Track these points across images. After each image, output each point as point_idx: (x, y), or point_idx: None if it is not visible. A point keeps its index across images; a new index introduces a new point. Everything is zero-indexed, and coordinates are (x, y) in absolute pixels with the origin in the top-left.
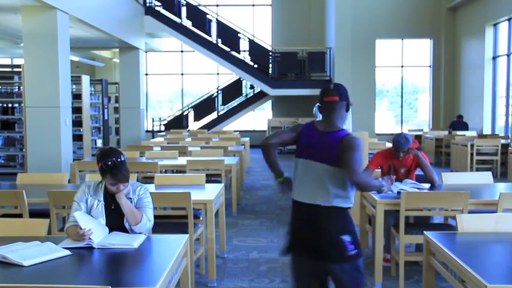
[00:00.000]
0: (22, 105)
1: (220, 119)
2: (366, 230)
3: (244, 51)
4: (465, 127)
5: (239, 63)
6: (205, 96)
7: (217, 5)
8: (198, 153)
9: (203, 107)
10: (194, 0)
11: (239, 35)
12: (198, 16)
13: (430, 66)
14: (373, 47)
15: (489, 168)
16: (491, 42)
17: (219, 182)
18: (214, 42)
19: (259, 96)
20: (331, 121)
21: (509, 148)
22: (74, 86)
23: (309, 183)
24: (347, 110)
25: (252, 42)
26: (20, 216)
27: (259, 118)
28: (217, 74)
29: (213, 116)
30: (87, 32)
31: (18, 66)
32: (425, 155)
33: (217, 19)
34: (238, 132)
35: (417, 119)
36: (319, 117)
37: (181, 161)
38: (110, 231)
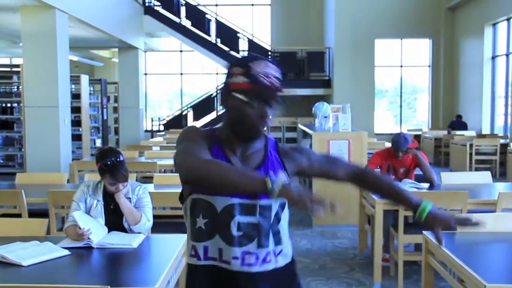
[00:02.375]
0: (21, 105)
1: (220, 119)
2: (365, 230)
3: (243, 50)
4: (464, 127)
5: None
6: (204, 96)
7: (216, 5)
8: None
9: (202, 107)
10: (193, 0)
11: (238, 34)
12: (197, 16)
13: (429, 66)
14: (372, 46)
15: (488, 168)
16: (490, 42)
17: None
18: (214, 41)
19: None
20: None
21: (508, 148)
22: (73, 86)
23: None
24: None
25: (251, 42)
26: (19, 216)
27: None
28: (217, 73)
29: (212, 115)
30: (86, 32)
31: (17, 65)
32: (424, 154)
33: (216, 19)
34: None
35: (416, 119)
36: (318, 116)
37: None
38: (109, 231)
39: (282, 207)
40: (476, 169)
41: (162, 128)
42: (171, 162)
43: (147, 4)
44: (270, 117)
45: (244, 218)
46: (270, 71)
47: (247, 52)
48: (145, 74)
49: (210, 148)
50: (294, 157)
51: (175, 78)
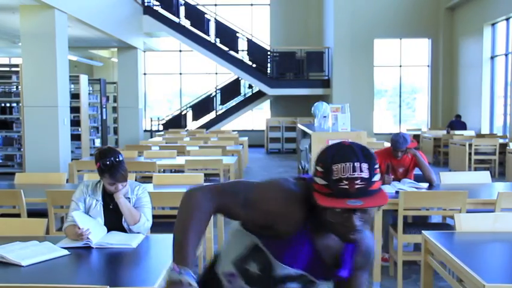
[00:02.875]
0: (20, 104)
1: (219, 119)
2: None
3: (242, 50)
4: (463, 127)
5: (237, 63)
6: (203, 96)
7: (215, 5)
8: (196, 152)
9: (201, 107)
10: (193, 0)
11: (237, 34)
12: (197, 15)
13: (428, 66)
14: (371, 46)
15: (487, 167)
16: (489, 41)
17: (217, 181)
18: (213, 41)
19: (258, 96)
20: None
21: (507, 148)
22: (72, 86)
23: None
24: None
25: (250, 42)
26: (18, 216)
27: (257, 118)
28: (216, 73)
29: (212, 115)
30: (86, 32)
31: (16, 65)
32: (423, 154)
33: (215, 19)
34: (236, 132)
35: (415, 119)
36: (318, 116)
37: (180, 160)
38: (108, 231)
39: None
40: (476, 169)
41: (161, 127)
42: (170, 162)
43: (146, 4)
44: (360, 224)
45: (294, 285)
46: (355, 174)
47: (247, 52)
48: (145, 73)
49: (299, 222)
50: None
51: (175, 78)
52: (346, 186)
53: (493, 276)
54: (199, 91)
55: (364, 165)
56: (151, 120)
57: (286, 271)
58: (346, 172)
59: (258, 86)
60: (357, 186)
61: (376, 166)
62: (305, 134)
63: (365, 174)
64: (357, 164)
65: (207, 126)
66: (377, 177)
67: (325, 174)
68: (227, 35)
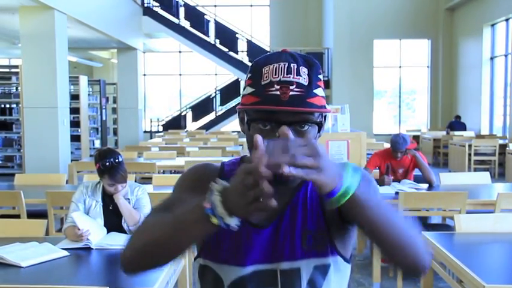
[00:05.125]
0: (20, 105)
1: (219, 120)
2: None
3: (242, 51)
4: (463, 127)
5: (237, 64)
6: (203, 97)
7: (215, 6)
8: (196, 153)
9: (201, 108)
10: (192, 1)
11: (237, 35)
12: (196, 17)
13: (428, 67)
14: (371, 47)
15: (487, 168)
16: (489, 42)
17: None
18: (213, 42)
19: None
20: None
21: (507, 148)
22: (72, 87)
23: None
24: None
25: (250, 43)
26: (17, 217)
27: None
28: (216, 74)
29: (211, 116)
30: (85, 33)
31: (16, 66)
32: (423, 155)
33: (215, 20)
34: (236, 133)
35: (415, 120)
36: None
37: (180, 161)
38: (108, 232)
39: (324, 270)
40: (475, 170)
41: (161, 128)
42: (170, 163)
43: (146, 5)
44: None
45: None
46: (290, 77)
47: (246, 53)
48: (144, 74)
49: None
50: None
51: (174, 79)
52: (278, 92)
53: (493, 277)
54: (199, 92)
55: (303, 69)
56: (151, 121)
57: (233, 274)
58: (279, 74)
59: None
60: (291, 93)
61: (320, 76)
62: None
63: (303, 80)
64: (293, 66)
65: (207, 127)
66: (320, 92)
67: (254, 80)
68: (227, 36)
